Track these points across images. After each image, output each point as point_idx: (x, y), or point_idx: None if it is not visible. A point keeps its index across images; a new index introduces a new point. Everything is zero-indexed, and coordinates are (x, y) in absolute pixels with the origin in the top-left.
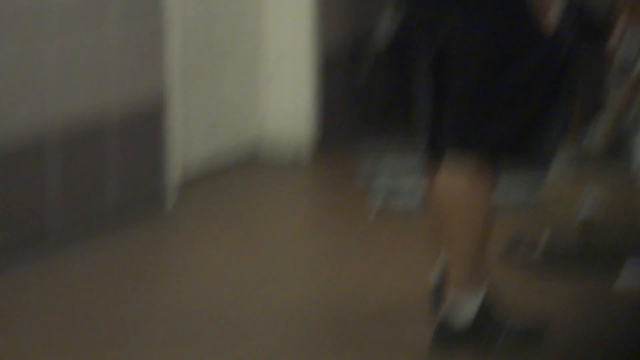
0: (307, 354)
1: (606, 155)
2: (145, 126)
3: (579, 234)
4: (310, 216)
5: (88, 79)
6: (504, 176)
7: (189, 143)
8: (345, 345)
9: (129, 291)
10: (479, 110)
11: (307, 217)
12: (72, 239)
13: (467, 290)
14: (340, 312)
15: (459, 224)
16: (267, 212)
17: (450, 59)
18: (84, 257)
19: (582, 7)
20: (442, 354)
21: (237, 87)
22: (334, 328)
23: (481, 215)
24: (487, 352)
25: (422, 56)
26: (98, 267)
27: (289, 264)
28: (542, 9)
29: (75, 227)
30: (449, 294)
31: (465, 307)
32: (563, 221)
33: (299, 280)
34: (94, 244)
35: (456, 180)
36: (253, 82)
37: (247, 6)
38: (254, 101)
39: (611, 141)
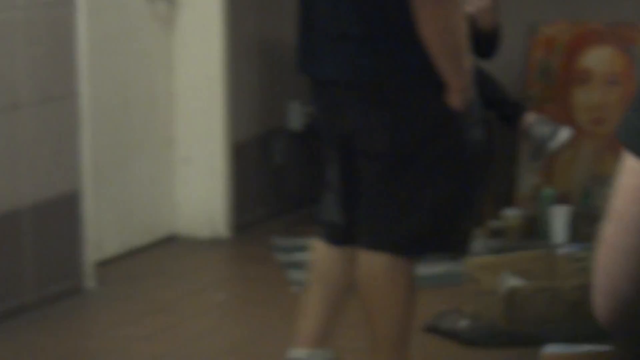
0: None
1: (524, 230)
2: (60, 209)
3: (504, 304)
4: (232, 292)
5: (0, 168)
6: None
7: (105, 225)
8: None
9: None
10: (387, 208)
11: (228, 292)
12: None
13: None
14: None
15: (382, 307)
16: (187, 289)
17: (357, 152)
18: (4, 341)
19: (494, 85)
20: None
21: (152, 168)
22: None
23: (404, 297)
24: None
25: (331, 144)
26: (17, 351)
27: (212, 342)
28: (454, 86)
29: None
30: None
31: None
32: (487, 292)
33: (223, 358)
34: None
35: (375, 262)
36: (168, 163)
37: (159, 91)
38: (169, 182)
39: (528, 217)
